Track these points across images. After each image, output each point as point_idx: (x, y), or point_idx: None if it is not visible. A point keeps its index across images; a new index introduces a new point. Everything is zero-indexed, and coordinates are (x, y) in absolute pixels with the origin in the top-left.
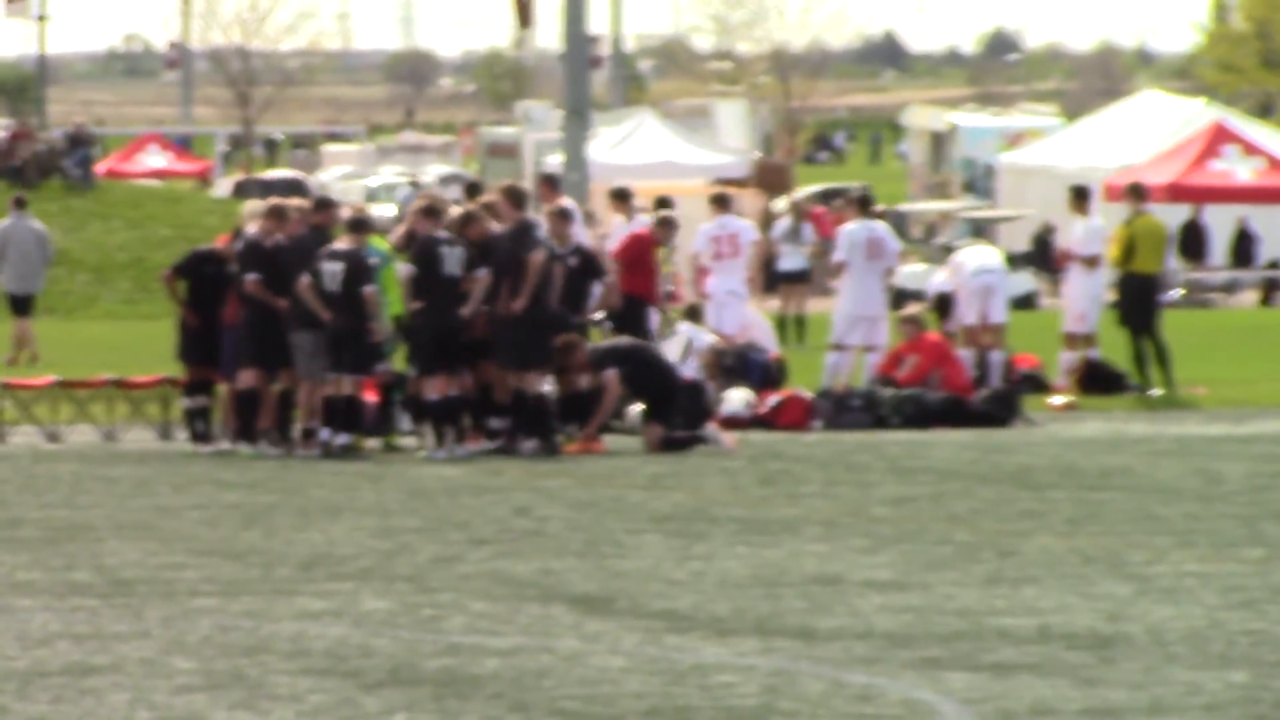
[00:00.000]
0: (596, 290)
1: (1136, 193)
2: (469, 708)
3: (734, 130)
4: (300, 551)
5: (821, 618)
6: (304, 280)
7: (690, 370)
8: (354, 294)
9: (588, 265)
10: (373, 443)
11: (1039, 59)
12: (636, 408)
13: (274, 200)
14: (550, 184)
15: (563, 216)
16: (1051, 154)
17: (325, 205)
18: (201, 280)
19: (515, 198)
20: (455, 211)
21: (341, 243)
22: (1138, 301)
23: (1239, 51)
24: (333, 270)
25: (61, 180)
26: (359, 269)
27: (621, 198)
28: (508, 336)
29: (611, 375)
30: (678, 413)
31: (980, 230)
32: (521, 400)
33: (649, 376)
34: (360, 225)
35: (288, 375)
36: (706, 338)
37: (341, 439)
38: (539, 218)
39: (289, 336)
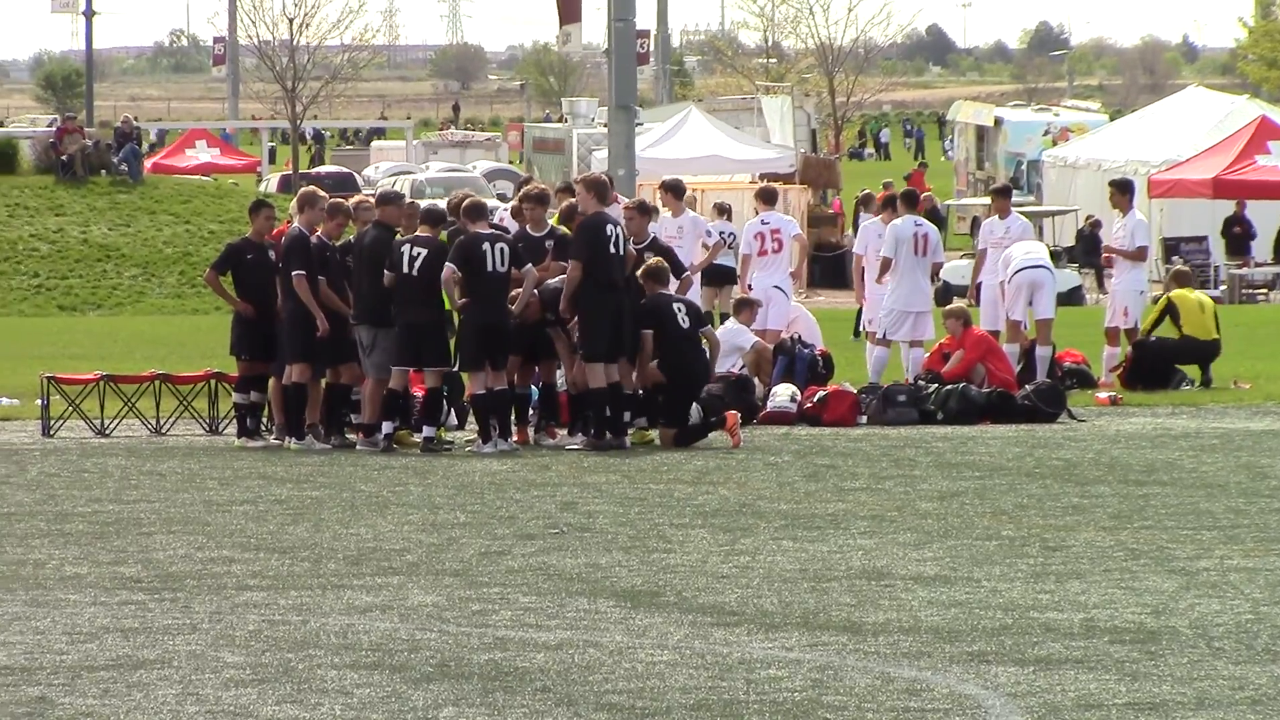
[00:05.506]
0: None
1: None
2: (516, 701)
3: (780, 126)
4: (348, 546)
5: (868, 612)
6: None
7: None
8: (433, 284)
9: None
10: (418, 437)
11: (1084, 55)
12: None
13: (307, 189)
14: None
15: (642, 211)
16: (1096, 149)
17: (390, 200)
18: (244, 270)
19: (598, 190)
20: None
21: (422, 232)
22: None
23: None
24: (413, 256)
25: (109, 175)
26: (440, 259)
27: (673, 191)
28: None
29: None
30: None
31: None
32: (585, 393)
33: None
34: (437, 217)
35: (346, 370)
36: (750, 335)
37: (428, 432)
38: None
39: (351, 331)
